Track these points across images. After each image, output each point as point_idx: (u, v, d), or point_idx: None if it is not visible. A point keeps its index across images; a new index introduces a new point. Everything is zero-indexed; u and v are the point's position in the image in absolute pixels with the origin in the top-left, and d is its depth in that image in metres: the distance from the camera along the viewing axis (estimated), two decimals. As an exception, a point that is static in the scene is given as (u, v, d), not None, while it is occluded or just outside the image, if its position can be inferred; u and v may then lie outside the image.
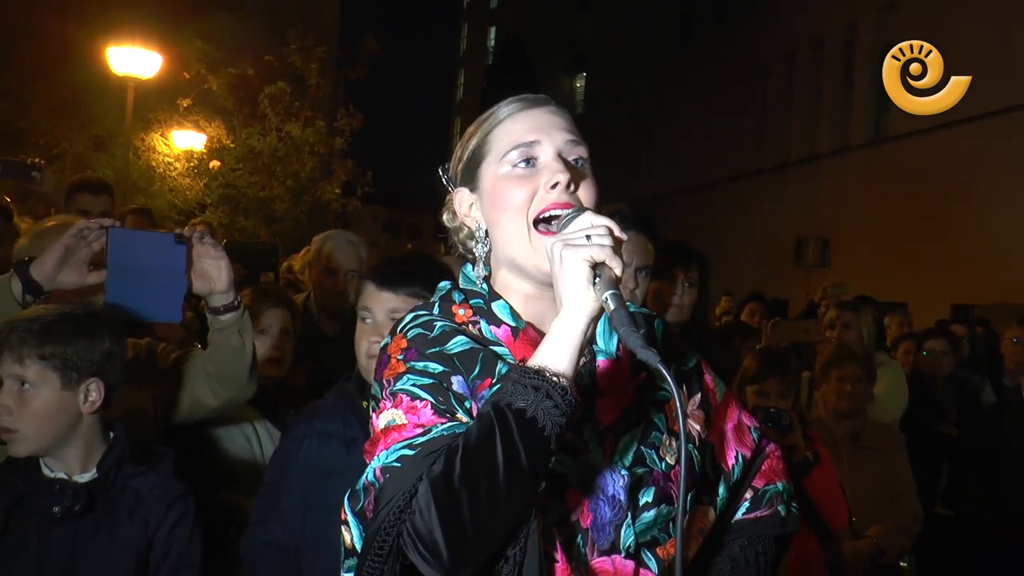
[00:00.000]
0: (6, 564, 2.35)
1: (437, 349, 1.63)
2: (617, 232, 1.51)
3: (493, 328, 1.68)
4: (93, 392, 2.47)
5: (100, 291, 2.63)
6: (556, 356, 1.45)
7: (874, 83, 20.91)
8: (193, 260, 2.72)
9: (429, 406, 1.55)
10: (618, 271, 1.47)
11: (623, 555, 1.64)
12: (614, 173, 33.26)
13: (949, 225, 17.39)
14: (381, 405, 1.61)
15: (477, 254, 1.76)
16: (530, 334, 1.67)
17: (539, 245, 1.62)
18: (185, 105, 18.54)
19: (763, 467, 1.96)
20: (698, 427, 1.81)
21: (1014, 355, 6.90)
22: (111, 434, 2.52)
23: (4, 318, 2.51)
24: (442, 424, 1.51)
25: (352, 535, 1.70)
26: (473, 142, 1.75)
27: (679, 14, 32.45)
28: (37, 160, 4.92)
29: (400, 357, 1.64)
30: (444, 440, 1.47)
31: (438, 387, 1.58)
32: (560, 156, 1.67)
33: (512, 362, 1.63)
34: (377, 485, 1.51)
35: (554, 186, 1.63)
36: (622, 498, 1.64)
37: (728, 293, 12.69)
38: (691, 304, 3.83)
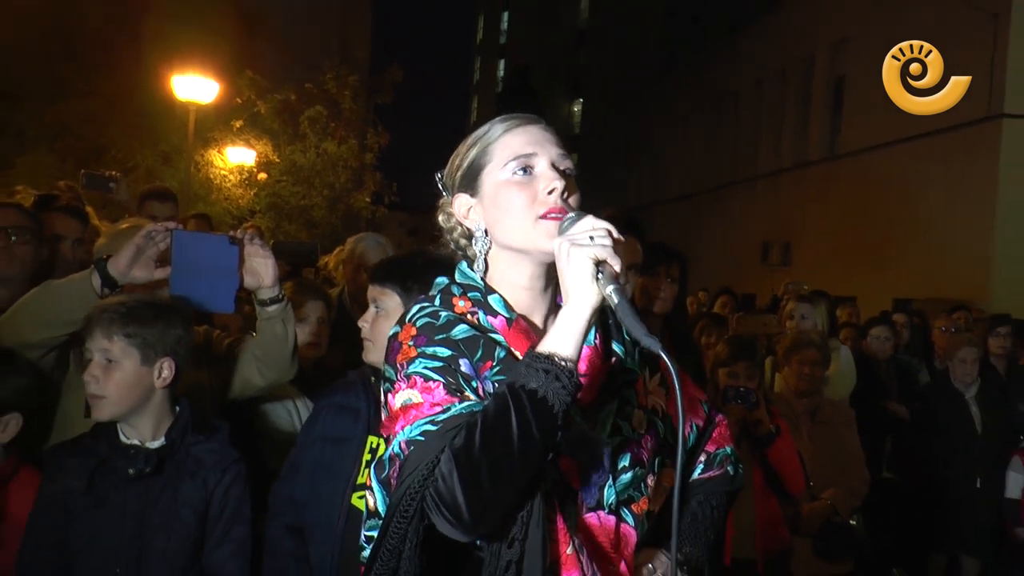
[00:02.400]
0: (91, 515, 2.36)
1: (444, 335, 1.61)
2: (616, 234, 1.51)
3: (490, 318, 1.66)
4: (166, 370, 2.47)
5: (165, 285, 2.63)
6: (564, 343, 1.45)
7: (829, 106, 20.92)
8: (244, 259, 2.72)
9: (442, 386, 1.54)
10: (617, 268, 1.47)
11: (606, 511, 1.66)
12: (607, 184, 33.23)
13: (892, 230, 17.43)
14: (396, 386, 1.59)
15: (477, 251, 1.72)
16: (521, 325, 1.67)
17: (542, 231, 1.61)
18: (238, 126, 18.51)
19: (714, 434, 1.98)
20: (660, 402, 1.81)
21: (942, 342, 6.93)
22: (177, 408, 2.53)
23: (87, 306, 2.52)
24: (458, 404, 1.51)
25: (376, 499, 1.72)
26: (473, 153, 1.71)
27: (663, 48, 32.45)
28: (114, 173, 4.93)
29: (411, 343, 1.62)
30: (463, 417, 1.47)
31: (447, 369, 1.56)
32: (554, 166, 1.66)
33: (507, 348, 1.63)
34: (402, 456, 1.51)
35: (551, 192, 1.63)
36: (606, 463, 1.65)
37: (704, 288, 12.66)
38: (672, 297, 3.85)
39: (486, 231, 1.70)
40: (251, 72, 18.35)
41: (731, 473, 1.96)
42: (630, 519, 1.69)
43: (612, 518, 1.66)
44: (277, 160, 18.97)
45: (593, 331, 1.70)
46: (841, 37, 20.42)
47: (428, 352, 1.59)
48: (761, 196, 23.98)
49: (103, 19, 16.32)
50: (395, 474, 1.57)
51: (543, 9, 47.45)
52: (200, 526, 2.45)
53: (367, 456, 2.51)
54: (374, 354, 2.47)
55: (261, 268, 2.75)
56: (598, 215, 1.55)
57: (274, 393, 3.20)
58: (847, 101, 20.38)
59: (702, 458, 1.95)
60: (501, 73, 54.26)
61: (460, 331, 1.62)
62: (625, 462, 1.69)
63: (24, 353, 2.62)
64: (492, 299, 1.68)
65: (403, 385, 1.57)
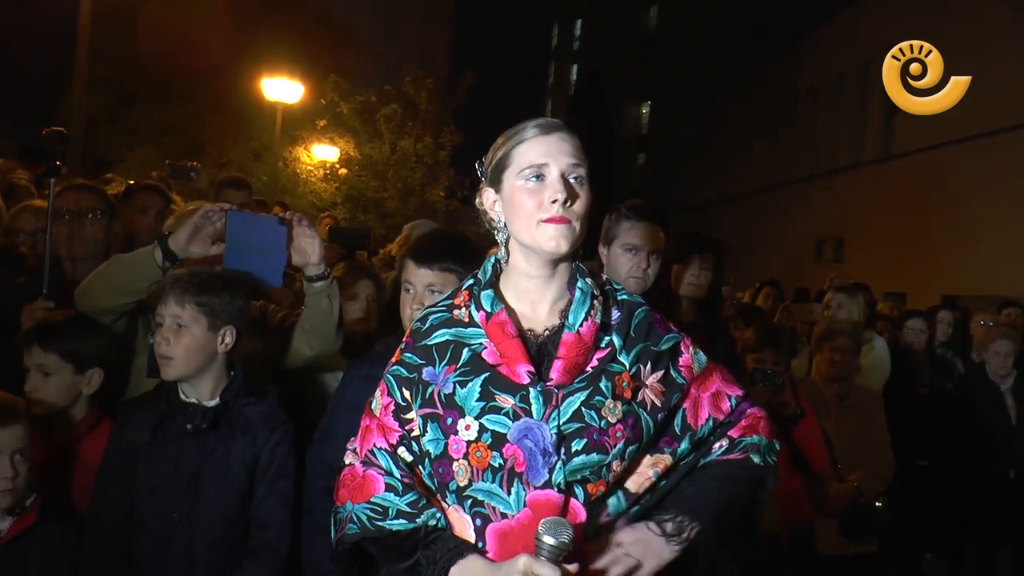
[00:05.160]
0: (153, 466, 2.47)
1: (422, 343, 1.83)
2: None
3: (478, 312, 1.82)
4: (228, 336, 2.57)
5: (219, 261, 2.72)
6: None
7: (883, 109, 20.44)
8: (293, 238, 2.78)
9: (393, 409, 1.84)
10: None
11: (555, 490, 1.71)
12: (672, 184, 32.95)
13: (942, 228, 17.02)
14: (380, 383, 1.90)
15: (499, 240, 1.88)
16: (500, 318, 1.79)
17: (543, 233, 1.77)
18: (321, 125, 18.86)
19: (743, 423, 1.94)
20: (652, 396, 1.83)
21: (980, 335, 6.74)
22: (232, 372, 2.63)
23: (151, 277, 2.66)
24: (393, 497, 1.78)
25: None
26: (500, 152, 1.85)
27: (728, 53, 32.03)
28: (195, 163, 5.09)
29: (402, 345, 1.88)
30: (390, 540, 1.77)
31: (410, 380, 1.82)
32: (563, 176, 1.78)
33: (482, 343, 1.79)
34: (342, 511, 1.85)
35: (554, 202, 1.76)
36: (551, 449, 1.71)
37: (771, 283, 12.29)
38: (706, 284, 3.81)
39: (505, 224, 1.85)
40: (334, 75, 18.64)
41: (755, 461, 1.89)
42: (580, 496, 1.74)
43: (560, 496, 1.71)
44: (357, 156, 19.25)
45: (580, 319, 1.79)
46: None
47: (405, 359, 1.84)
48: (817, 195, 23.56)
49: (205, 29, 16.76)
50: (337, 492, 1.89)
51: (614, 17, 47.08)
52: (249, 479, 2.54)
53: None
54: None
55: (308, 247, 2.80)
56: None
57: (326, 364, 3.26)
58: (902, 104, 19.87)
59: (723, 442, 1.91)
60: (574, 78, 54.07)
61: (436, 337, 1.83)
62: (579, 446, 1.73)
63: (99, 318, 2.77)
64: (483, 294, 1.83)
65: (381, 385, 1.89)
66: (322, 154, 19.07)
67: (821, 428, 4.13)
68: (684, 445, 1.88)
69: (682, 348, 1.93)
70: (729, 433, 1.92)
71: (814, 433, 4.06)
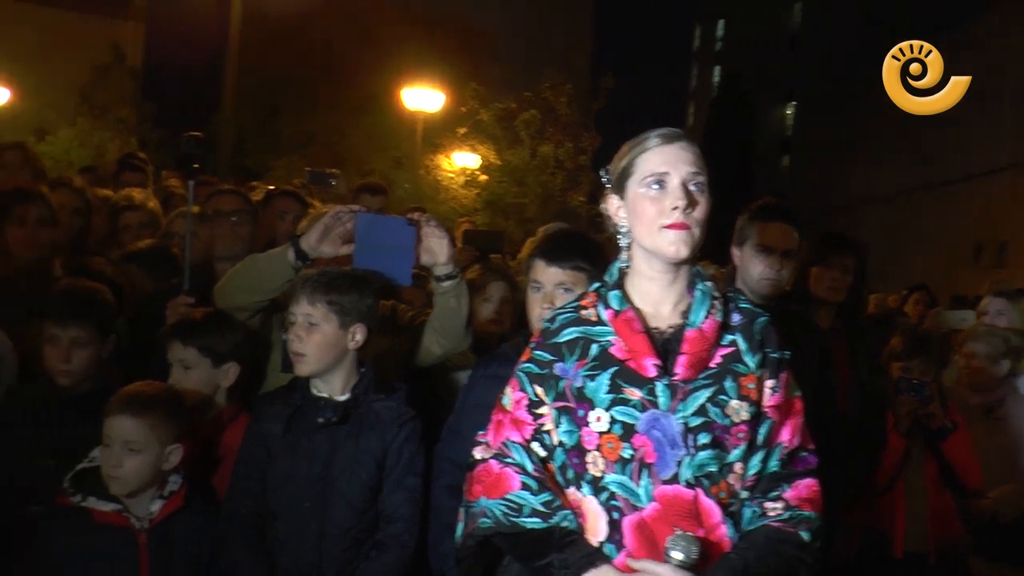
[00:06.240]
0: (285, 457, 2.57)
1: (552, 340, 1.94)
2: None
3: (605, 310, 1.91)
4: (358, 334, 2.64)
5: (349, 261, 2.79)
6: None
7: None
8: (422, 238, 2.82)
9: (526, 403, 1.93)
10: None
11: (683, 485, 1.78)
12: (818, 186, 31.91)
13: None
14: (510, 380, 2.00)
15: (621, 245, 1.97)
16: (627, 316, 1.88)
17: (664, 239, 1.85)
18: (462, 133, 19.19)
19: (803, 493, 1.91)
20: (765, 400, 1.90)
21: None
22: (362, 368, 2.69)
23: (284, 276, 2.77)
24: (525, 494, 1.86)
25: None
26: (624, 161, 1.94)
27: (875, 50, 30.70)
28: (334, 170, 5.26)
29: (532, 345, 1.99)
30: (524, 537, 1.84)
31: (541, 376, 1.92)
32: (683, 184, 1.86)
33: (609, 340, 1.86)
34: (475, 506, 1.93)
35: (675, 208, 1.84)
36: (679, 440, 1.78)
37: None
38: (846, 288, 3.67)
39: (628, 230, 1.94)
40: (474, 83, 18.94)
41: (804, 539, 1.86)
42: (708, 496, 1.80)
43: (690, 491, 1.78)
44: (498, 163, 19.48)
45: (703, 315, 1.87)
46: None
47: (536, 355, 1.95)
48: (974, 196, 22.30)
49: (348, 42, 17.37)
50: (467, 488, 1.98)
51: (757, 17, 46.05)
52: (378, 473, 2.60)
53: None
54: None
55: (436, 247, 2.84)
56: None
57: (456, 363, 3.30)
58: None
59: (779, 505, 1.88)
60: (716, 79, 53.18)
61: (565, 335, 1.92)
62: (705, 440, 1.80)
63: (235, 315, 2.90)
64: (611, 294, 1.92)
65: (512, 381, 1.99)
66: (462, 161, 19.40)
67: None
68: (759, 457, 1.89)
69: (788, 368, 1.99)
70: (786, 496, 1.90)
71: (966, 447, 3.85)
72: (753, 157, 39.38)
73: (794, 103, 44.61)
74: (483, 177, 19.44)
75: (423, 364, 3.10)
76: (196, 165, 3.27)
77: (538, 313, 2.57)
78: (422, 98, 16.27)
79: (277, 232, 3.84)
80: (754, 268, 3.11)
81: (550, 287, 2.57)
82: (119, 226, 4.39)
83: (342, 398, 2.63)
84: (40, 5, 22.65)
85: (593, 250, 2.67)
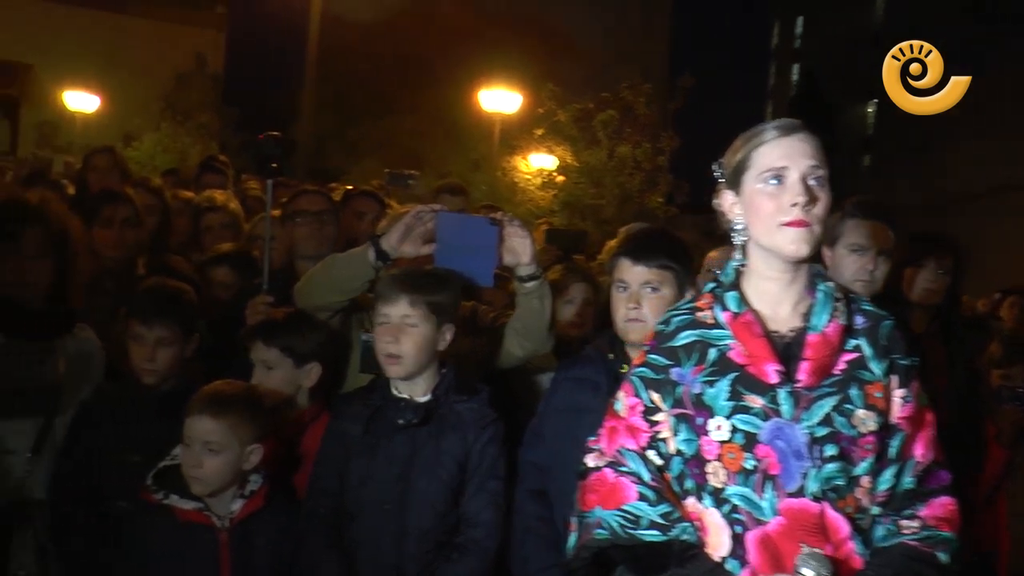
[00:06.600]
0: (364, 457, 2.55)
1: (667, 344, 1.87)
2: None
3: (722, 312, 1.83)
4: (448, 333, 2.62)
5: (429, 261, 2.76)
6: None
7: None
8: (504, 238, 2.77)
9: (641, 409, 1.86)
10: None
11: (810, 498, 1.69)
12: (901, 186, 31.05)
13: None
14: (623, 385, 1.93)
15: (736, 243, 1.87)
16: (746, 318, 1.80)
17: (783, 237, 1.77)
18: (539, 134, 19.16)
19: (939, 513, 1.82)
20: (895, 411, 1.81)
21: None
22: (442, 369, 2.66)
23: (363, 276, 2.75)
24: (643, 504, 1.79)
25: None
26: (740, 155, 1.85)
27: (959, 44, 29.79)
28: (413, 172, 5.29)
29: (647, 348, 1.92)
30: (642, 550, 1.77)
31: (658, 381, 1.85)
32: (803, 179, 1.77)
33: (727, 344, 1.79)
34: (589, 516, 1.85)
35: (794, 205, 1.75)
36: (804, 451, 1.69)
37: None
38: (942, 290, 3.52)
39: (744, 227, 1.85)
40: (551, 84, 18.90)
41: (941, 560, 1.76)
42: (836, 510, 1.70)
43: (816, 505, 1.69)
44: (575, 164, 19.41)
45: (826, 318, 1.78)
46: None
47: (651, 360, 1.88)
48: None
49: (425, 45, 17.53)
50: (581, 497, 1.90)
51: (837, 13, 45.10)
52: (459, 475, 2.57)
53: None
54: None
55: (520, 247, 2.78)
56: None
57: (538, 365, 3.26)
58: None
59: (915, 524, 1.79)
60: (795, 78, 52.28)
61: (681, 338, 1.85)
62: (832, 451, 1.71)
63: (316, 315, 2.90)
64: (728, 295, 1.84)
65: (626, 386, 1.91)
66: (539, 162, 19.37)
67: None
68: (891, 472, 1.80)
69: (916, 374, 1.88)
70: (922, 514, 1.81)
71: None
72: (833, 156, 38.57)
73: (875, 101, 43.54)
74: (560, 178, 19.38)
75: (504, 366, 3.06)
76: (275, 165, 3.28)
77: (623, 314, 2.53)
78: (499, 99, 16.32)
79: (355, 232, 3.84)
80: (846, 268, 3.00)
81: (636, 287, 2.52)
82: (201, 227, 4.47)
83: (423, 399, 2.60)
84: (127, 16, 23.52)
85: (679, 248, 2.62)
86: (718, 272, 1.94)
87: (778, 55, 57.12)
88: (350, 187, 5.07)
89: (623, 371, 2.57)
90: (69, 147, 17.66)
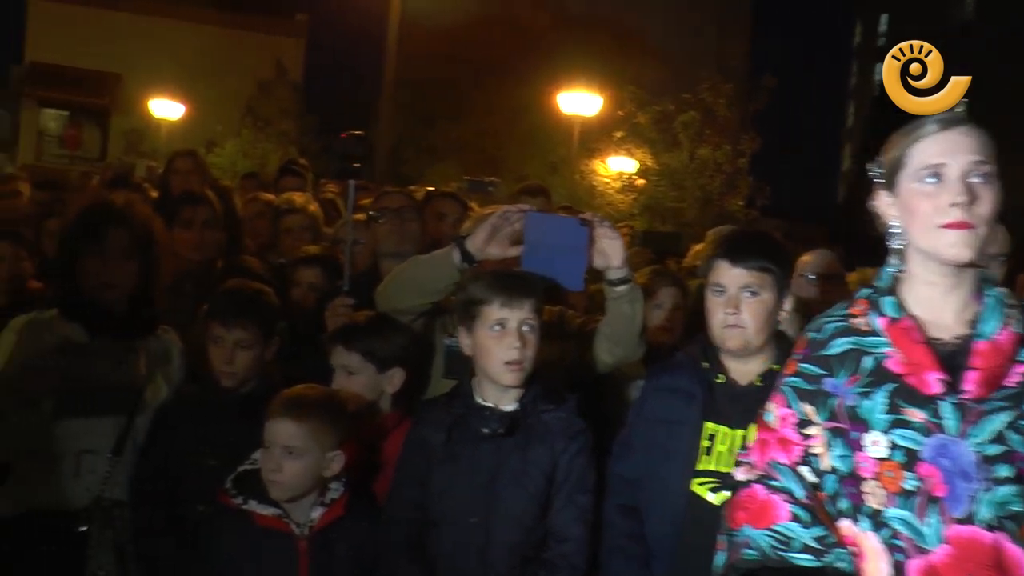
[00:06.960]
0: (447, 467, 2.46)
1: (820, 352, 1.75)
2: None
3: (879, 318, 1.71)
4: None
5: (516, 263, 2.64)
6: None
7: None
8: (594, 240, 2.65)
9: (793, 421, 1.74)
10: None
11: (982, 526, 1.52)
12: (1012, 174, 30.05)
13: None
14: (773, 395, 1.81)
15: (894, 247, 1.75)
16: (904, 324, 1.68)
17: (942, 240, 1.63)
18: (618, 136, 19.01)
19: None
20: None
21: None
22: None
23: (448, 278, 2.66)
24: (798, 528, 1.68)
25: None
26: (895, 152, 1.74)
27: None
28: (493, 178, 5.25)
29: (798, 356, 1.80)
30: (794, 574, 1.66)
31: (811, 392, 1.73)
32: (963, 177, 1.64)
33: (884, 352, 1.67)
34: (738, 535, 1.75)
35: (953, 205, 1.62)
36: (972, 471, 1.53)
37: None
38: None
39: (902, 230, 1.73)
40: (632, 86, 18.73)
41: None
42: (1016, 542, 1.53)
43: (989, 535, 1.52)
44: (655, 166, 19.21)
45: (996, 325, 1.65)
46: None
47: (802, 369, 1.77)
48: None
49: (503, 47, 17.53)
50: (732, 517, 1.79)
51: (923, 10, 43.91)
52: (547, 488, 2.46)
53: (705, 443, 2.42)
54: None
55: (610, 249, 2.66)
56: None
57: (628, 373, 3.15)
58: None
59: None
60: (877, 77, 51.07)
61: (835, 346, 1.74)
62: (1006, 472, 1.54)
63: (398, 318, 2.81)
64: (884, 300, 1.72)
65: (776, 397, 1.80)
66: (618, 166, 19.20)
67: None
68: None
69: None
70: None
71: None
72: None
73: (964, 99, 42.23)
74: (640, 181, 19.19)
75: (593, 374, 2.95)
76: (357, 164, 3.22)
77: (721, 319, 2.40)
78: (578, 102, 16.21)
79: (436, 233, 3.79)
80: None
81: (734, 290, 2.39)
82: (280, 229, 4.46)
83: (509, 408, 2.49)
84: (209, 26, 24.16)
85: (778, 250, 2.50)
86: (873, 282, 1.81)
87: (860, 54, 55.86)
88: (431, 188, 5.02)
89: (719, 381, 2.45)
90: (154, 154, 18.17)
